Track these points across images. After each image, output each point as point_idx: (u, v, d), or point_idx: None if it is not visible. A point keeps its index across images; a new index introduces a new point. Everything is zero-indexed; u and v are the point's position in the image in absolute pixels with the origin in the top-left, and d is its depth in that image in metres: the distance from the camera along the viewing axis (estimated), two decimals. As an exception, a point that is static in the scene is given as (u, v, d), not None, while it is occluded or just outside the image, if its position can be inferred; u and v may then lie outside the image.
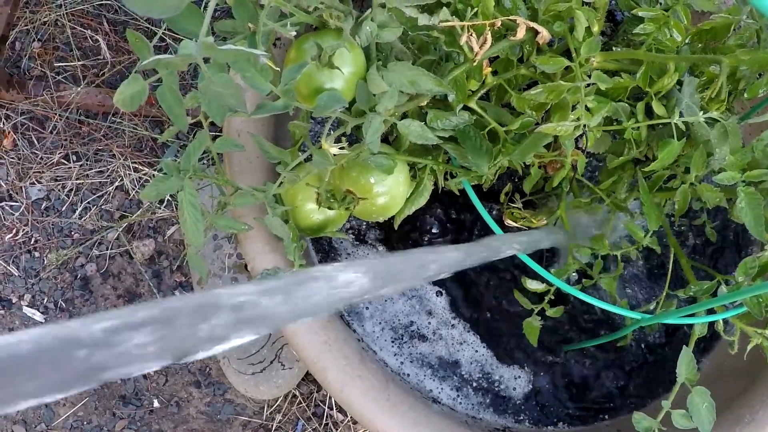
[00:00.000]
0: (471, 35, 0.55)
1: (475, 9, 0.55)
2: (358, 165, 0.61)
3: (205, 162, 1.13)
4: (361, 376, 0.63)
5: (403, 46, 0.58)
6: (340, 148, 0.56)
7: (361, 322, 0.77)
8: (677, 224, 0.87)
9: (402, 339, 0.78)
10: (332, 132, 0.56)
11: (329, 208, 0.63)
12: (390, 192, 0.62)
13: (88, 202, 1.15)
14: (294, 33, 0.52)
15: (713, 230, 0.78)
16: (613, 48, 0.77)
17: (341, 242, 0.81)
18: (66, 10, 1.20)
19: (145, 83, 0.51)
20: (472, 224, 0.83)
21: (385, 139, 0.58)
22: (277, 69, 0.50)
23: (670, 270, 0.78)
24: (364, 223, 0.82)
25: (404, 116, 0.60)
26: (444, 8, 0.54)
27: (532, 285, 0.72)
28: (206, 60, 0.45)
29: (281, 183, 0.59)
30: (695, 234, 0.87)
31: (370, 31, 0.52)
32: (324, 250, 0.80)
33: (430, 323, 0.79)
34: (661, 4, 0.68)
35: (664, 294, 0.74)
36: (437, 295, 0.81)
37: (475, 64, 0.57)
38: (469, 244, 0.57)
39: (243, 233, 0.63)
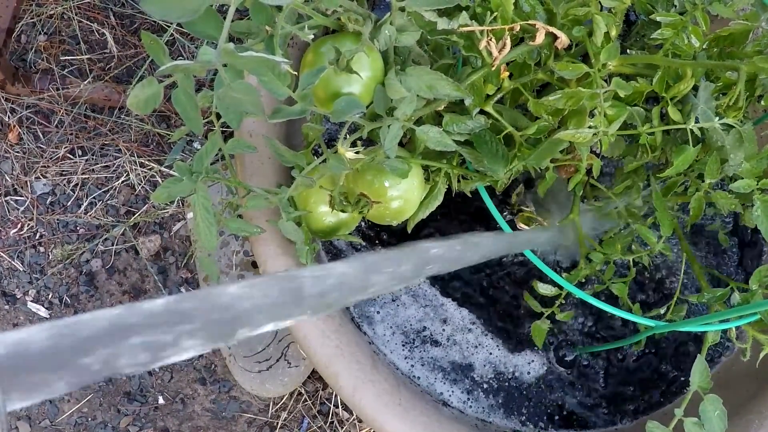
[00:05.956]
0: (490, 40, 0.54)
1: (494, 13, 0.54)
2: (372, 168, 0.61)
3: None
4: (373, 381, 0.62)
5: (420, 49, 0.58)
6: (356, 153, 0.55)
7: (371, 325, 0.77)
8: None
9: (413, 343, 0.77)
10: (348, 136, 0.56)
11: (342, 211, 0.63)
12: (404, 196, 0.62)
13: (94, 197, 1.15)
14: (311, 36, 0.51)
15: (726, 236, 0.78)
16: (627, 50, 0.76)
17: (338, 240, 0.80)
18: (72, 3, 1.19)
19: (160, 86, 0.50)
20: (484, 226, 0.82)
21: (398, 142, 0.57)
22: (295, 73, 0.49)
23: (681, 275, 0.78)
24: (364, 221, 0.81)
25: (419, 120, 0.59)
26: (463, 12, 0.53)
27: (544, 289, 0.72)
28: (223, 65, 0.44)
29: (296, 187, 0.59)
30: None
31: (390, 35, 0.51)
32: (333, 251, 0.79)
33: (444, 330, 0.79)
34: (675, 7, 0.68)
35: (675, 299, 0.74)
36: (456, 308, 0.80)
37: (493, 68, 0.56)
38: (478, 236, 0.56)
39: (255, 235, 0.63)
